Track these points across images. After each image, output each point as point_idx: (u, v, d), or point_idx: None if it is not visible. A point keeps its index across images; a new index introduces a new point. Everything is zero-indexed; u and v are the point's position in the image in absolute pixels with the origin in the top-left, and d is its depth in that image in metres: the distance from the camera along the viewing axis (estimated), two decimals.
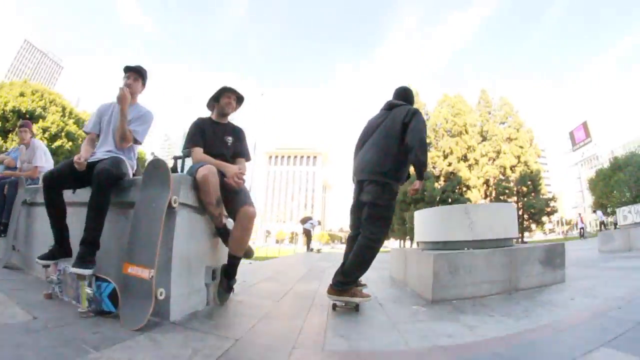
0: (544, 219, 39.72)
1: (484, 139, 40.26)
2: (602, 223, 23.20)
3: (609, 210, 35.32)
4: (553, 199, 38.61)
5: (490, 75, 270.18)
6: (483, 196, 39.34)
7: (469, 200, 37.02)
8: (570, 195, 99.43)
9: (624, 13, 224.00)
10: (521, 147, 38.53)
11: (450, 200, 36.43)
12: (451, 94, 43.44)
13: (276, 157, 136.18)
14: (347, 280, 2.74)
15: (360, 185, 2.96)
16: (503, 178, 37.58)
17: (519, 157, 38.30)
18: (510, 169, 38.36)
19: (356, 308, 2.76)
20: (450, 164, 38.56)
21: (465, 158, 39.51)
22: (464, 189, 38.61)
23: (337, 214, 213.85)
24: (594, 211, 36.89)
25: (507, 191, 36.11)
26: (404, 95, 3.24)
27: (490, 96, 42.65)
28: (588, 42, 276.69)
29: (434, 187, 35.68)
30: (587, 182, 44.82)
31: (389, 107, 3.13)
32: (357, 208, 2.98)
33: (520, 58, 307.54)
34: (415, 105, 3.18)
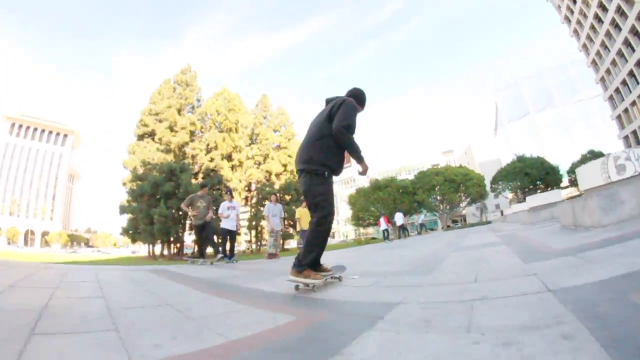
0: None
1: (253, 142, 38.16)
2: (401, 227, 22.66)
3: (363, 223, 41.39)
4: None
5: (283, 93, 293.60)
6: (244, 200, 36.61)
7: None
8: None
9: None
10: (290, 156, 38.15)
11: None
12: (233, 91, 40.13)
13: (20, 126, 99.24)
14: (301, 263, 2.90)
15: (299, 176, 3.09)
16: (267, 183, 35.91)
17: (285, 165, 37.69)
18: (276, 175, 37.26)
19: (313, 289, 2.88)
20: (212, 160, 34.18)
21: (230, 157, 36.09)
22: (224, 190, 35.12)
23: (85, 211, 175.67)
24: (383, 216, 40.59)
25: (270, 196, 34.53)
26: (350, 93, 3.29)
27: (270, 102, 41.37)
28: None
29: (190, 182, 30.25)
30: (348, 197, 48.88)
31: (326, 102, 3.20)
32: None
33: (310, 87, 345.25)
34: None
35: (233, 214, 8.64)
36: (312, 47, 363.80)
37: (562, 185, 38.96)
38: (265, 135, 37.88)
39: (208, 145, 34.75)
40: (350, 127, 2.87)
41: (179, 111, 36.47)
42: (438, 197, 41.31)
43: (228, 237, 8.58)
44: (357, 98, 3.22)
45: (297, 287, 2.90)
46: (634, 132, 41.55)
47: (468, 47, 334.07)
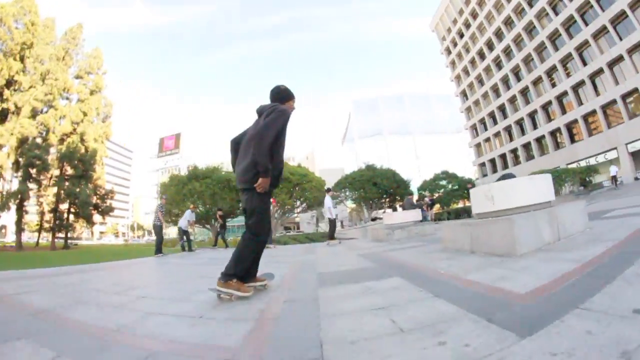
0: (97, 217, 31.37)
1: (43, 81, 27.49)
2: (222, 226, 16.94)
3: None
4: (109, 194, 31.06)
5: None
6: (14, 164, 26.17)
7: None
8: (148, 201, 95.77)
9: None
10: (85, 114, 28.73)
11: None
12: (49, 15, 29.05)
13: None
14: (229, 273, 2.82)
15: (242, 193, 3.02)
16: (42, 144, 26.02)
17: (77, 124, 28.37)
18: (61, 138, 27.77)
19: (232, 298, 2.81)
20: None
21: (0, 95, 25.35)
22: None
23: None
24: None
25: (38, 162, 24.88)
26: (273, 96, 3.14)
27: (83, 36, 30.94)
28: None
29: None
30: (160, 185, 40.77)
31: (258, 113, 3.05)
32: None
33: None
34: None
35: None
36: (183, 31, 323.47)
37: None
38: (55, 74, 27.47)
39: None
40: (269, 130, 2.73)
41: None
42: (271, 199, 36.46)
43: None
44: (283, 100, 3.09)
45: (219, 295, 2.86)
46: (492, 160, 47.46)
47: (333, 67, 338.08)
